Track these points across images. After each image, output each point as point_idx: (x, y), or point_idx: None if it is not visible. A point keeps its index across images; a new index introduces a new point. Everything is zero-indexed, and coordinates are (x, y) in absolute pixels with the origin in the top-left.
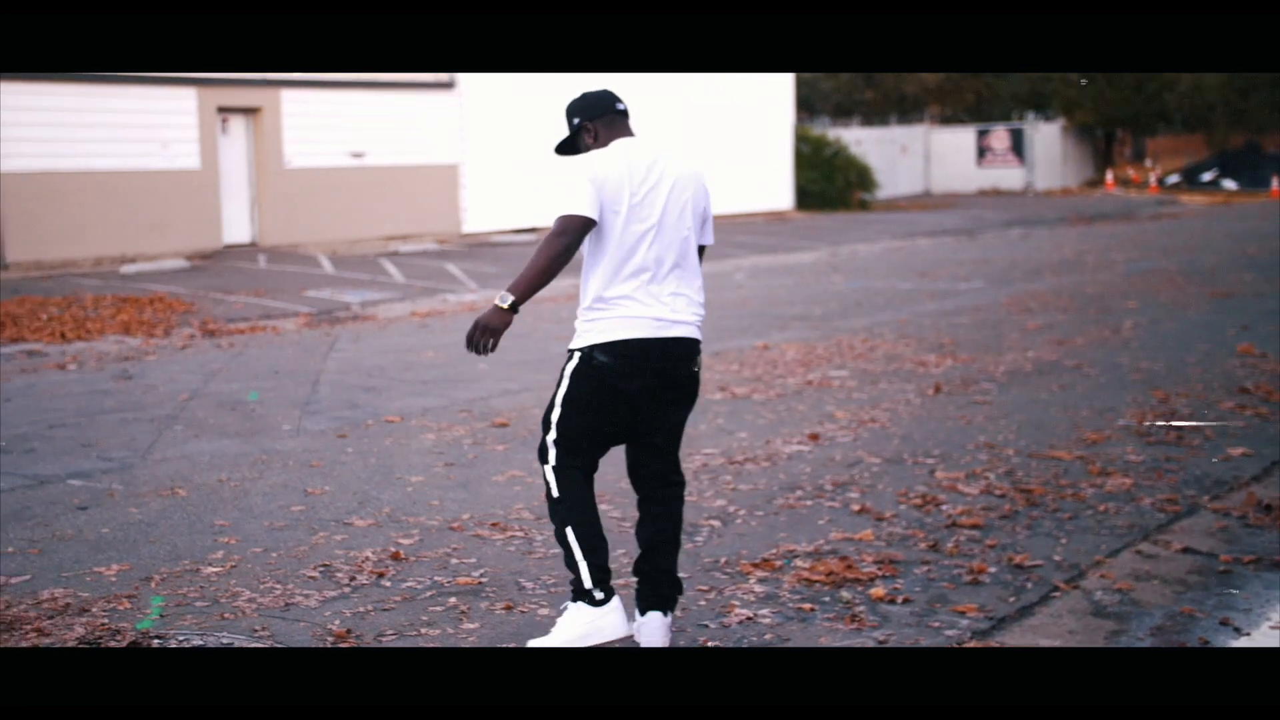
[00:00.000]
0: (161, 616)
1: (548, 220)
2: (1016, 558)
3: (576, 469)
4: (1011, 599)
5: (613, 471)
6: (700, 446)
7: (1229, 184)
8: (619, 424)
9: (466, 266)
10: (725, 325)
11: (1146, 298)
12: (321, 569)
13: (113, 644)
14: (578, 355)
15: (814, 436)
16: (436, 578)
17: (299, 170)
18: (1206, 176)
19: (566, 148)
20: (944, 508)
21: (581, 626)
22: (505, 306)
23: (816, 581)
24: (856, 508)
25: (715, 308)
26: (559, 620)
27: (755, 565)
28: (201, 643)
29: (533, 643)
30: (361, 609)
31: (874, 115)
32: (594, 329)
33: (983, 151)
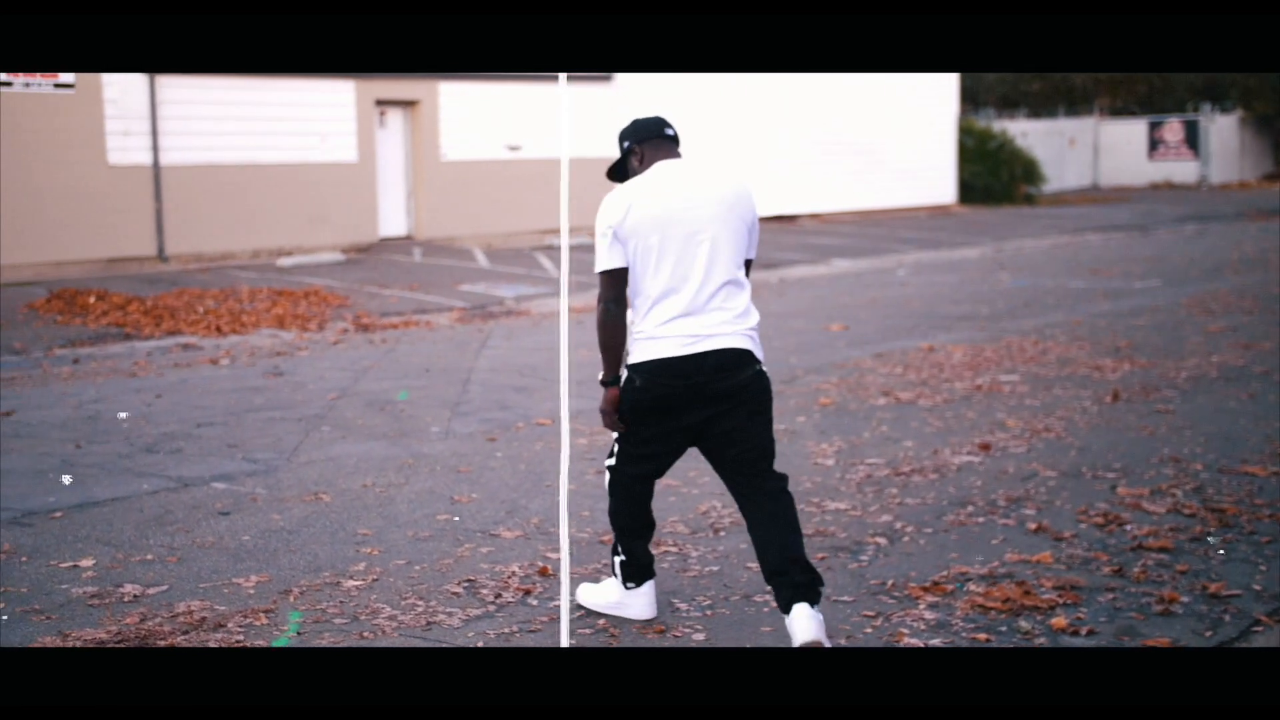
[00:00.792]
0: (299, 634)
1: None
2: (1211, 586)
3: (635, 475)
4: (1208, 632)
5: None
6: (864, 456)
7: None
8: (674, 443)
9: None
10: (888, 325)
11: None
12: (466, 584)
13: None
14: (624, 379)
15: (985, 446)
16: None
17: (456, 163)
18: None
19: (616, 172)
20: (1128, 528)
21: (614, 595)
22: (606, 387)
23: (992, 608)
24: (1033, 526)
25: (877, 306)
26: (603, 580)
27: (925, 589)
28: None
29: (579, 593)
30: (506, 629)
31: (1041, 107)
32: (634, 350)
33: (1155, 144)
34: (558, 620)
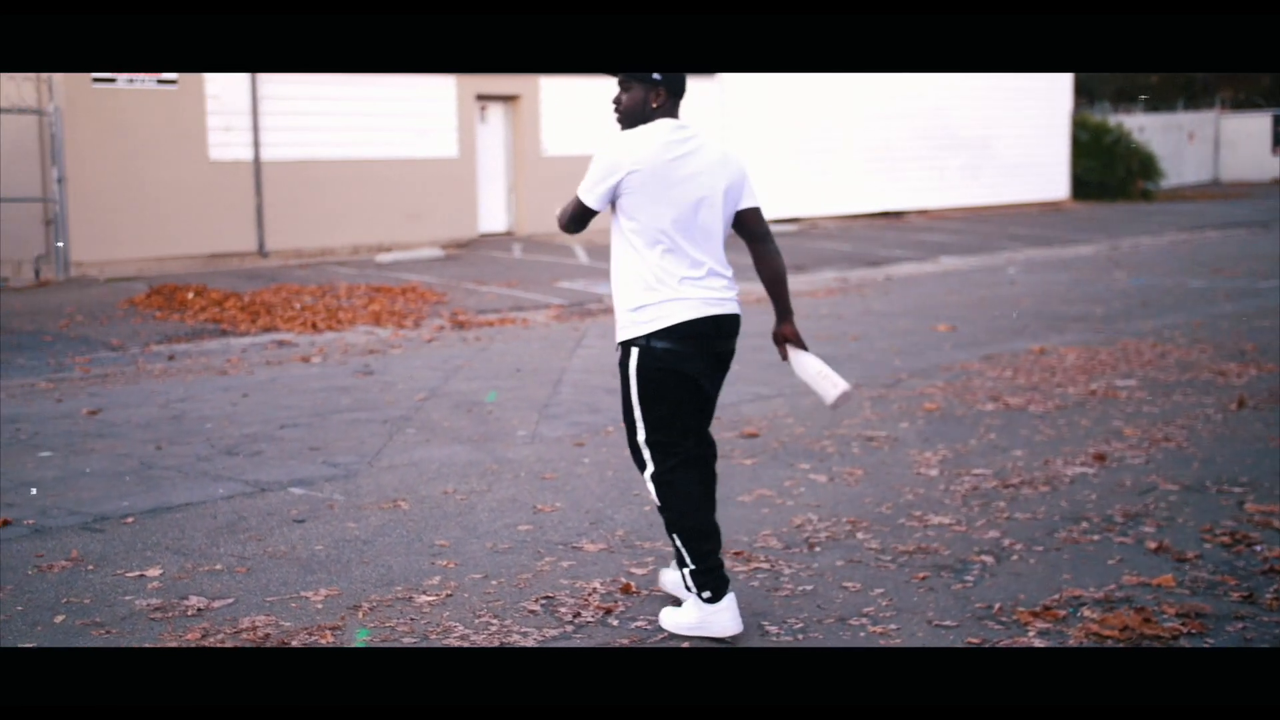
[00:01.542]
0: None
1: (809, 209)
2: None
3: (678, 467)
4: None
5: (871, 494)
6: (970, 466)
7: None
8: (694, 406)
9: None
10: (997, 326)
11: None
12: (544, 601)
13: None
14: (635, 349)
15: (1100, 457)
16: None
17: (556, 158)
18: None
19: (626, 105)
20: (1258, 548)
21: (694, 617)
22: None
23: (1109, 637)
24: (1153, 545)
25: (986, 306)
26: (684, 604)
27: (1034, 614)
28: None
29: (663, 617)
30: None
31: (1159, 100)
32: (644, 317)
33: (1279, 138)
34: (640, 644)
